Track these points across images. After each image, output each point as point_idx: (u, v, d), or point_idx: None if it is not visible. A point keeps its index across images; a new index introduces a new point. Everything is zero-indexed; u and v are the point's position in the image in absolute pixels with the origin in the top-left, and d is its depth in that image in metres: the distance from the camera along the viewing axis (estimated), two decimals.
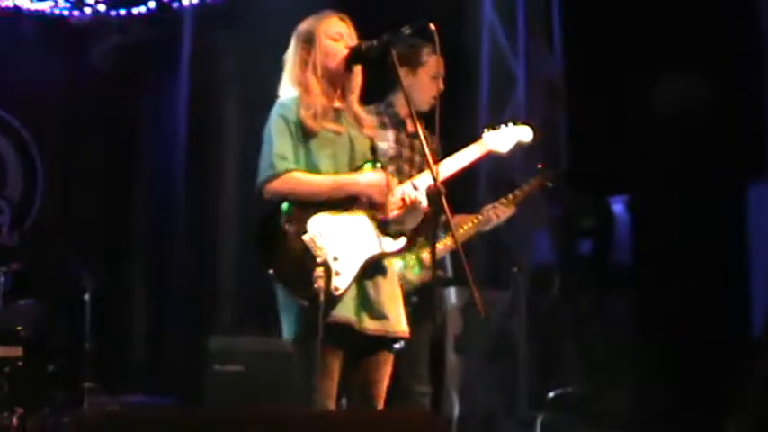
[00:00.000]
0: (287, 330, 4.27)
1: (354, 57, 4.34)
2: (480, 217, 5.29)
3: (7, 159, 9.26)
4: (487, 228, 5.35)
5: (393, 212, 4.34)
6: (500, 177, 6.98)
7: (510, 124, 4.84)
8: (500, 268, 7.76)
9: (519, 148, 4.87)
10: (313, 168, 4.26)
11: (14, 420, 6.60)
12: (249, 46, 8.16)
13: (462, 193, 5.00)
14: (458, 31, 7.88)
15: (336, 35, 4.36)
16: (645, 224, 7.72)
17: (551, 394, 7.39)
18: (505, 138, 4.81)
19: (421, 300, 4.96)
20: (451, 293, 7.16)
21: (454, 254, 5.44)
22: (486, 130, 4.77)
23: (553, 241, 8.05)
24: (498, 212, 5.30)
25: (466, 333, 7.39)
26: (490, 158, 4.92)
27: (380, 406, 4.35)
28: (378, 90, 4.94)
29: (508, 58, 8.05)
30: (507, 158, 5.04)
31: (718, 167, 7.07)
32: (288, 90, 4.37)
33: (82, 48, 9.07)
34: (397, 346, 4.40)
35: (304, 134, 4.27)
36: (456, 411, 7.12)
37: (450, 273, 6.34)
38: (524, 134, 4.88)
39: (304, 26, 4.42)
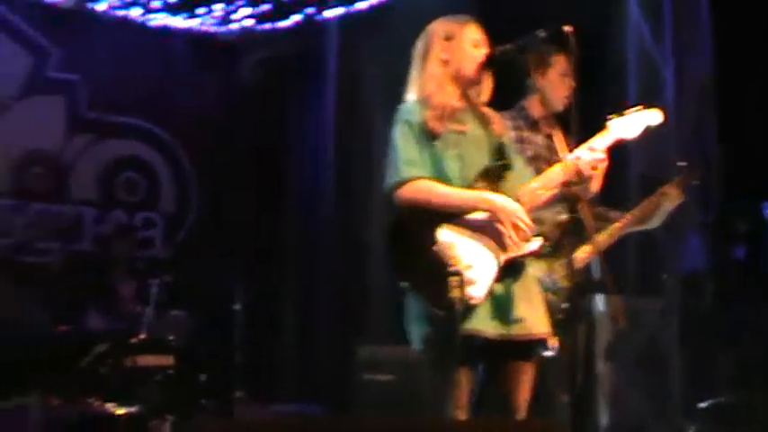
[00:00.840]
0: (418, 341, 4.24)
1: (488, 62, 4.33)
2: (633, 215, 5.17)
3: (160, 173, 9.47)
4: (645, 225, 5.21)
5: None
6: (653, 174, 6.81)
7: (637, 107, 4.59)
8: (651, 274, 7.57)
9: (648, 132, 4.59)
10: (439, 170, 4.22)
11: (165, 428, 6.71)
12: (395, 53, 8.12)
13: (615, 190, 4.94)
14: (603, 32, 7.73)
15: (477, 42, 4.37)
16: None
17: (704, 404, 7.17)
18: (633, 123, 4.42)
19: (571, 306, 4.85)
20: (599, 300, 6.99)
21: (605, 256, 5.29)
22: (611, 117, 4.47)
23: (705, 246, 7.81)
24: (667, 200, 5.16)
25: (616, 340, 7.22)
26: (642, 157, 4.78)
27: (521, 415, 4.25)
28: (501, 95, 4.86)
29: (656, 58, 7.85)
30: (660, 156, 4.87)
31: None
32: (413, 92, 4.37)
33: (230, 62, 9.24)
34: (548, 353, 4.32)
35: (427, 136, 4.24)
36: (606, 420, 6.96)
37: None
38: (653, 118, 4.47)
39: (442, 26, 4.42)
